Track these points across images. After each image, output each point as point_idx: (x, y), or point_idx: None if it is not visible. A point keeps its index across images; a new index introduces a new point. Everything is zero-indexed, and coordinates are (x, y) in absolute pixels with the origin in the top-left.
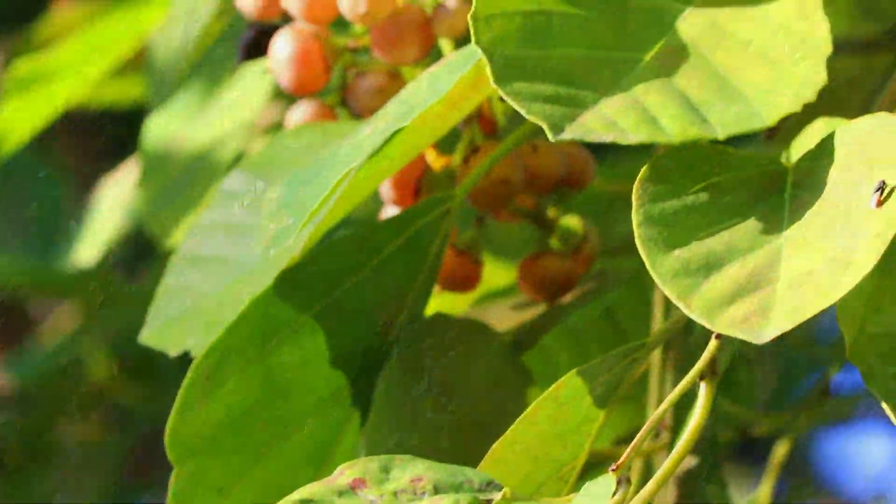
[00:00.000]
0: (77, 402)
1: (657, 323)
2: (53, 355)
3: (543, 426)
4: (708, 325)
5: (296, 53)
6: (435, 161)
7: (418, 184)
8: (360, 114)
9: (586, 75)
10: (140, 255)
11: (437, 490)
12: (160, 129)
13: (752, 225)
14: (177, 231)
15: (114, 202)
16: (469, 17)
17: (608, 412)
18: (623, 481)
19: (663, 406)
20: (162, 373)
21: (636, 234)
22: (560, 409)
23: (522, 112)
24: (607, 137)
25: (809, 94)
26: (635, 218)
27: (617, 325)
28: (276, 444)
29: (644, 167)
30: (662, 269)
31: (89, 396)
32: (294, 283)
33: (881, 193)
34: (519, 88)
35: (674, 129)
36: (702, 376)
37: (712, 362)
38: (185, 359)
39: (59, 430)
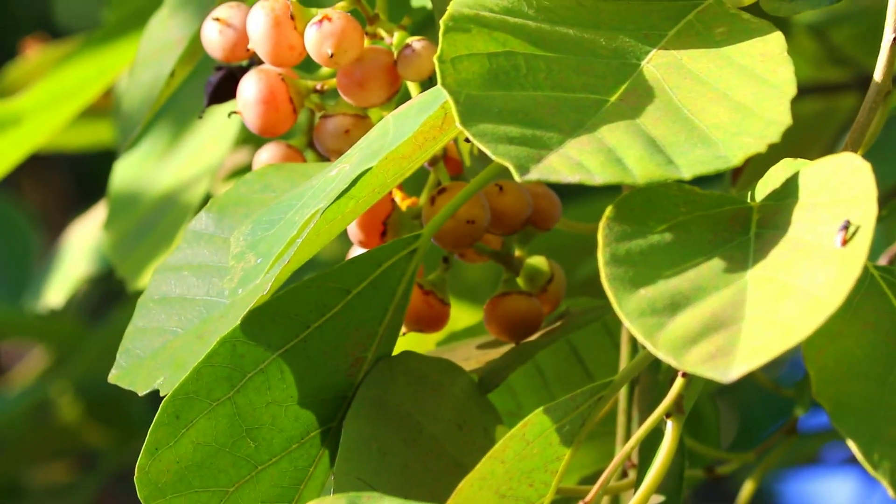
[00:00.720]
0: (46, 444)
1: (623, 361)
2: (22, 398)
3: (511, 464)
4: (674, 364)
5: (263, 95)
6: (402, 201)
7: (385, 224)
8: (327, 155)
9: (552, 116)
10: (108, 297)
11: None
12: (128, 172)
13: (717, 264)
14: (145, 273)
15: (82, 245)
16: (435, 58)
17: (575, 450)
18: None
19: (630, 444)
20: (129, 415)
21: (602, 274)
22: (527, 446)
23: (488, 153)
24: (573, 178)
25: (774, 135)
26: (601, 257)
27: (583, 363)
28: (245, 483)
29: (609, 207)
30: (628, 308)
31: (58, 439)
32: (262, 323)
33: (846, 232)
34: (485, 129)
35: (639, 170)
36: (668, 414)
37: (679, 400)
38: (153, 401)
39: (28, 473)
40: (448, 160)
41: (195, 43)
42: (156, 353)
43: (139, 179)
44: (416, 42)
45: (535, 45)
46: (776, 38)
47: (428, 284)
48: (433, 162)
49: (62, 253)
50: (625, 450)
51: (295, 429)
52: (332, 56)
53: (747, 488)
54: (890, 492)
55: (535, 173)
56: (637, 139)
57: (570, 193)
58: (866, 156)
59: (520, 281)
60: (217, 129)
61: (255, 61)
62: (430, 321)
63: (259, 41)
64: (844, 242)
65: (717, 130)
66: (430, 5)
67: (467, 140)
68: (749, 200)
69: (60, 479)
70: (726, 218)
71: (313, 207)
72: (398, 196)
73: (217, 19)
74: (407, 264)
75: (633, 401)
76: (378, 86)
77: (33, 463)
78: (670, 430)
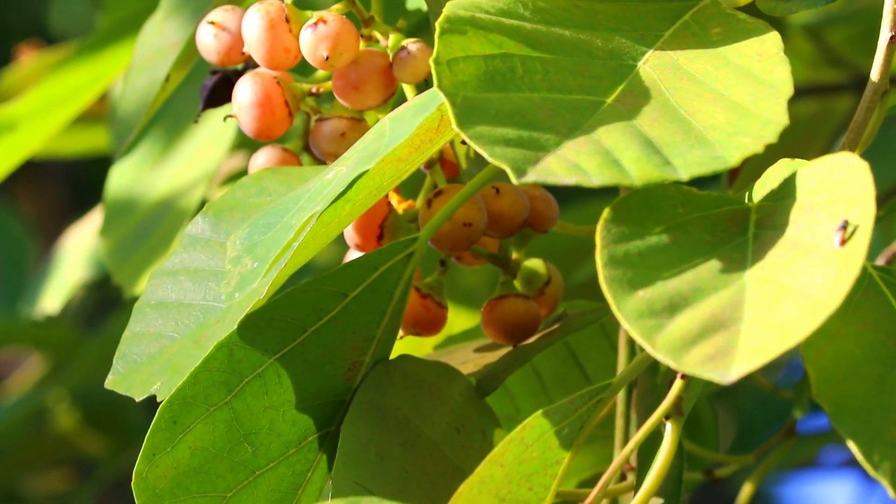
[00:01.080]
0: (43, 452)
1: (622, 364)
2: (18, 406)
3: (510, 467)
4: (673, 366)
5: (258, 99)
6: (398, 204)
7: (381, 228)
8: (323, 158)
9: (549, 118)
10: (104, 303)
11: None
12: (124, 177)
13: (715, 265)
14: (142, 279)
15: (78, 251)
16: (431, 60)
17: (574, 453)
18: None
19: (629, 447)
20: (127, 422)
21: (600, 275)
22: (526, 450)
23: (485, 155)
24: (570, 180)
25: (771, 135)
26: (599, 259)
27: (581, 366)
28: (243, 488)
29: (607, 208)
30: (627, 310)
31: (55, 446)
32: (258, 328)
33: (844, 232)
34: (481, 132)
35: (637, 171)
36: (667, 416)
37: (678, 402)
38: (150, 408)
39: (26, 481)
40: (444, 163)
41: (190, 47)
42: (153, 359)
43: (135, 185)
44: (412, 44)
45: (532, 47)
46: (772, 38)
47: (425, 288)
48: (429, 164)
49: (58, 259)
50: (624, 452)
51: (292, 433)
52: (327, 59)
53: (746, 491)
54: (890, 492)
55: (532, 175)
56: (634, 140)
57: (568, 196)
58: (864, 156)
59: (517, 284)
60: (213, 134)
61: (250, 65)
62: (428, 324)
63: (254, 44)
64: (843, 242)
65: (715, 131)
66: (425, 7)
67: (464, 142)
68: (747, 201)
69: (58, 487)
70: (724, 219)
71: (310, 211)
72: (395, 199)
73: (212, 23)
74: (404, 267)
75: (631, 403)
76: (374, 88)
77: (30, 471)
78: (669, 433)
